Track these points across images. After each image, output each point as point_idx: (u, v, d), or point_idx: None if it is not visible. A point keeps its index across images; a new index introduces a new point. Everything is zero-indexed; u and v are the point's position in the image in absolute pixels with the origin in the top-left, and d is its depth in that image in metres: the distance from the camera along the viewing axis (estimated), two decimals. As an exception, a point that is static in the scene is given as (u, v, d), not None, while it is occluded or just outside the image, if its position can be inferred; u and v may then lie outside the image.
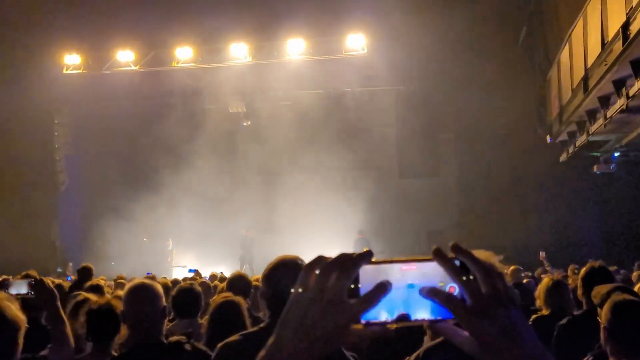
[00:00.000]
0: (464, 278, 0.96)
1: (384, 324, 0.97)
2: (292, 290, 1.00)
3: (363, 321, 0.96)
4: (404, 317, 0.98)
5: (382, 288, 0.95)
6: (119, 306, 3.41)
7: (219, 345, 2.94)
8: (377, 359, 3.98)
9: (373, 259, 0.98)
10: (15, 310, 2.35)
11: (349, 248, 16.89)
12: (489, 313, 0.95)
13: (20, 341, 2.35)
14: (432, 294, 0.96)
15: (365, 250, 0.98)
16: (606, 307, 2.84)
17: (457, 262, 0.97)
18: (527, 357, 0.95)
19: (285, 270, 2.87)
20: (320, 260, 0.99)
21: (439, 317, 0.98)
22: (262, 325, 2.93)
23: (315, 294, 0.96)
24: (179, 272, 18.65)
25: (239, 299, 4.29)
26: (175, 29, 16.36)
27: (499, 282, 0.97)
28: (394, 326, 0.98)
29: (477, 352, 0.96)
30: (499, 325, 0.95)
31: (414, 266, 0.99)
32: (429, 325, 1.00)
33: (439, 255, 0.97)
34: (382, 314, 0.97)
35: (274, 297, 2.84)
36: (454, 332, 0.99)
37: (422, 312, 0.98)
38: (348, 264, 0.97)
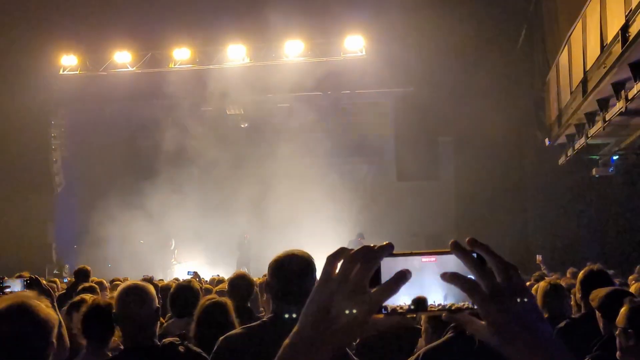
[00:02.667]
0: (482, 269, 1.00)
1: (403, 313, 1.00)
2: (317, 281, 1.03)
3: (384, 311, 0.99)
4: (422, 302, 1.01)
5: (402, 276, 0.98)
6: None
7: (221, 338, 2.90)
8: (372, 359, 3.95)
9: (394, 251, 1.01)
10: (46, 309, 2.31)
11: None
12: (505, 301, 0.99)
13: (54, 340, 2.31)
14: (454, 278, 0.99)
15: (386, 243, 1.02)
16: (623, 313, 2.80)
17: (474, 255, 1.02)
18: (540, 346, 0.98)
19: (294, 261, 2.82)
20: (342, 252, 1.02)
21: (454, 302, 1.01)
22: (264, 319, 2.89)
23: (338, 284, 0.99)
24: (183, 269, 18.65)
25: (225, 299, 4.25)
26: (172, 30, 16.33)
27: (514, 274, 1.01)
28: (414, 316, 1.02)
29: (492, 340, 1.00)
30: (515, 313, 0.98)
31: (433, 258, 1.03)
32: (447, 315, 1.03)
33: (457, 248, 1.01)
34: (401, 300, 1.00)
35: (281, 288, 2.79)
36: (470, 321, 1.02)
37: (437, 298, 1.02)
38: (370, 255, 1.00)
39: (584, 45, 10.13)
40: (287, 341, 1.03)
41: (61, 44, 16.96)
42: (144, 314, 3.09)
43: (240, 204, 21.56)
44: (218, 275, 12.18)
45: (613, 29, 8.36)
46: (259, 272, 14.89)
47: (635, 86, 8.40)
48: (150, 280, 9.59)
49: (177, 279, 10.89)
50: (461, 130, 15.95)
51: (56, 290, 6.97)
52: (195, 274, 12.34)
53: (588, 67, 9.96)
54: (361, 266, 0.99)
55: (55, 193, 18.08)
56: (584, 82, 10.33)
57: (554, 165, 14.81)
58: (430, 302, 1.01)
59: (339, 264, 1.01)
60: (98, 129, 20.67)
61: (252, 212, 21.36)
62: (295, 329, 1.03)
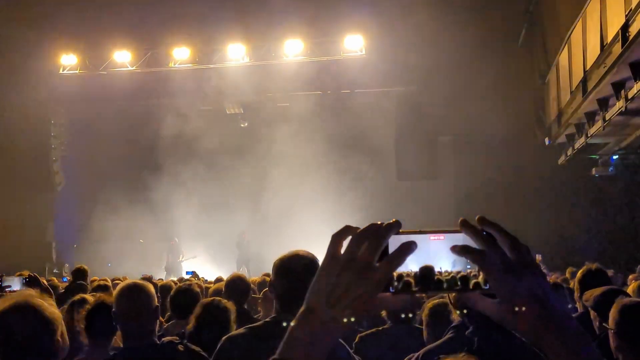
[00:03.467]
0: (493, 245, 0.99)
1: (412, 292, 0.99)
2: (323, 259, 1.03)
3: (391, 290, 0.98)
4: (429, 271, 1.00)
5: (407, 247, 0.98)
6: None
7: (224, 337, 2.90)
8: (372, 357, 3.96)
9: (401, 230, 1.01)
10: (51, 307, 2.31)
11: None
12: (517, 274, 0.97)
13: (60, 339, 2.31)
14: (464, 251, 0.98)
15: (393, 220, 1.01)
16: (613, 310, 2.81)
17: (484, 234, 1.01)
18: (552, 319, 0.97)
19: (299, 262, 2.82)
20: (348, 230, 1.02)
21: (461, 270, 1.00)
22: (268, 319, 2.89)
23: (345, 262, 0.98)
24: (191, 267, 18.66)
25: (224, 300, 4.25)
26: (172, 29, 16.32)
27: (525, 251, 1.00)
28: (424, 295, 1.00)
29: (502, 316, 0.99)
30: (527, 287, 0.97)
31: (442, 236, 1.04)
32: (457, 295, 1.01)
33: (466, 226, 1.01)
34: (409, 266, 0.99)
35: (286, 289, 2.77)
36: (479, 299, 1.01)
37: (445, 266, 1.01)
38: (378, 233, 0.99)
39: (584, 45, 10.13)
40: (294, 322, 1.03)
41: (61, 43, 16.95)
42: (143, 312, 3.09)
43: (239, 204, 21.55)
44: (219, 276, 12.14)
45: (613, 29, 8.36)
46: (258, 271, 14.91)
47: (635, 86, 8.40)
48: (149, 279, 9.60)
49: (182, 278, 10.92)
50: (461, 130, 15.94)
51: (58, 289, 6.97)
52: (194, 274, 12.33)
53: (588, 67, 9.96)
54: (369, 244, 0.98)
55: (55, 192, 18.08)
56: (584, 81, 10.33)
57: (554, 165, 14.81)
58: (437, 269, 1.00)
59: (345, 243, 1.01)
60: (98, 128, 20.66)
61: (251, 211, 21.36)
62: (301, 310, 1.02)
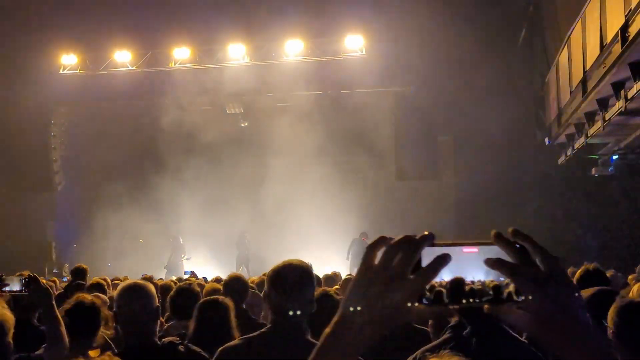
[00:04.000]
0: (526, 258, 1.00)
1: (445, 305, 1.00)
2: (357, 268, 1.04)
3: (425, 301, 0.99)
4: (460, 283, 1.00)
5: (442, 259, 0.98)
6: (100, 305, 3.39)
7: (220, 349, 2.89)
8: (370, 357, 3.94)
9: (435, 241, 1.02)
10: (2, 310, 2.27)
11: (347, 249, 16.73)
12: (550, 287, 0.99)
13: (10, 341, 2.28)
14: (498, 264, 0.99)
15: (427, 232, 1.02)
16: (612, 311, 2.81)
17: (517, 246, 1.02)
18: (581, 336, 0.98)
19: (292, 272, 2.81)
20: (382, 241, 1.03)
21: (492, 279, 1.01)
22: (263, 329, 2.88)
23: (380, 272, 1.00)
24: (190, 265, 18.66)
25: (224, 299, 4.25)
26: (172, 29, 16.32)
27: (557, 265, 1.01)
28: (456, 307, 1.02)
29: (532, 329, 1.00)
30: (560, 302, 0.98)
31: (475, 249, 1.03)
32: (488, 308, 1.02)
33: (500, 239, 1.02)
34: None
35: (279, 300, 2.78)
36: (510, 311, 1.02)
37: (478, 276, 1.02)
38: (412, 245, 1.00)
39: (584, 45, 10.13)
40: (328, 330, 1.04)
41: (61, 43, 16.95)
42: (144, 312, 3.09)
43: (239, 203, 21.54)
44: (217, 275, 12.13)
45: (613, 29, 8.36)
46: (257, 271, 14.92)
47: (634, 86, 8.40)
48: (150, 279, 9.60)
49: (181, 278, 10.90)
50: (461, 130, 15.94)
51: (55, 289, 6.97)
52: (193, 274, 12.31)
53: (588, 67, 9.96)
54: (403, 255, 1.00)
55: (55, 192, 18.07)
56: (584, 81, 10.33)
57: (554, 165, 14.82)
58: (469, 278, 1.01)
59: (379, 253, 1.02)
60: (98, 128, 20.66)
61: (251, 211, 21.35)
62: (336, 318, 1.04)
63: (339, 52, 16.40)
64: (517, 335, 3.44)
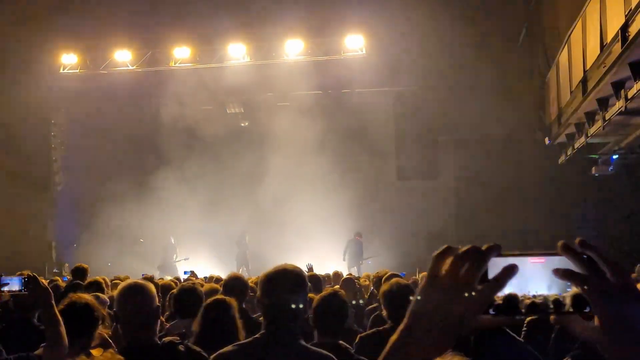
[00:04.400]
0: (595, 270, 0.99)
1: (512, 314, 1.00)
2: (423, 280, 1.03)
3: (491, 312, 0.99)
4: (512, 299, 1.00)
5: (510, 270, 0.98)
6: (96, 304, 3.39)
7: (213, 356, 2.89)
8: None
9: (502, 252, 1.01)
10: None
11: (343, 250, 16.71)
12: (621, 300, 0.97)
13: None
14: (567, 275, 0.98)
15: (493, 244, 1.01)
16: None
17: (584, 257, 1.01)
18: None
19: (285, 277, 2.80)
20: (449, 251, 1.01)
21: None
22: (257, 335, 2.87)
23: (447, 283, 0.99)
24: (183, 266, 18.61)
25: (230, 299, 4.25)
26: (172, 29, 16.32)
27: (627, 276, 0.99)
28: (522, 317, 1.01)
29: (600, 341, 0.99)
30: (632, 316, 0.97)
31: (542, 259, 1.02)
32: (555, 318, 1.02)
33: (567, 249, 1.00)
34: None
35: (272, 306, 2.77)
36: (578, 322, 1.01)
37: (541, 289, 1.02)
38: (479, 255, 0.99)
39: (584, 45, 10.13)
40: (394, 338, 1.04)
41: (61, 43, 16.95)
42: (144, 312, 3.09)
43: (239, 203, 21.53)
44: (217, 275, 12.08)
45: (613, 29, 8.36)
46: (257, 271, 14.91)
47: (634, 85, 8.40)
48: (150, 279, 9.59)
49: (178, 278, 10.89)
50: (461, 130, 15.94)
51: (60, 289, 6.97)
52: (192, 274, 12.26)
53: (588, 67, 9.96)
54: (470, 266, 0.99)
55: (56, 192, 18.07)
56: (584, 81, 10.33)
57: (554, 165, 14.81)
58: (532, 292, 1.01)
59: (446, 263, 1.01)
60: (98, 127, 20.66)
61: (251, 210, 21.33)
62: (402, 327, 1.03)
63: (339, 51, 16.40)
64: (515, 335, 3.44)
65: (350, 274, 12.33)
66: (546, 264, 1.02)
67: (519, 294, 1.01)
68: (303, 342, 2.81)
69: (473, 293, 0.98)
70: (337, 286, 7.32)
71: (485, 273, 0.99)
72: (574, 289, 1.01)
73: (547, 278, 1.01)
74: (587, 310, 0.99)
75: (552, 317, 1.02)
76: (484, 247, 1.00)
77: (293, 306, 2.73)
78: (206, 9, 15.57)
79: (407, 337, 1.02)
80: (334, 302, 4.05)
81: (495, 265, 1.00)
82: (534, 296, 1.01)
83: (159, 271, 18.59)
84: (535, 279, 1.02)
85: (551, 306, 1.01)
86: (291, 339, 2.77)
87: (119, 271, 17.13)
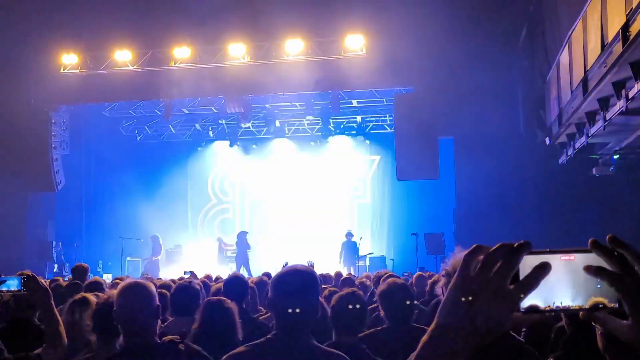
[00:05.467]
0: (627, 267, 0.97)
1: (543, 312, 0.99)
2: (453, 279, 1.02)
3: (522, 309, 0.98)
4: (533, 310, 0.99)
5: (542, 269, 0.96)
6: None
7: (224, 357, 2.88)
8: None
9: (532, 250, 1.00)
10: None
11: (345, 249, 16.71)
12: None
13: None
14: (599, 272, 0.97)
15: (524, 241, 0.99)
16: None
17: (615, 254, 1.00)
18: None
19: (297, 278, 2.78)
20: (479, 250, 1.00)
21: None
22: (268, 336, 2.86)
23: (479, 282, 0.98)
24: (190, 265, 18.62)
25: (228, 300, 4.26)
26: (173, 29, 16.32)
27: None
28: (552, 313, 1.00)
29: (631, 337, 0.98)
30: None
31: (572, 256, 1.01)
32: (584, 314, 1.01)
33: (598, 247, 0.99)
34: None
35: (283, 307, 2.75)
36: (610, 319, 1.00)
37: (565, 299, 1.00)
38: (511, 254, 0.97)
39: (585, 45, 10.12)
40: (425, 338, 1.03)
41: (62, 43, 16.95)
42: (144, 311, 3.09)
43: (239, 204, 21.56)
44: (217, 275, 12.08)
45: (614, 28, 8.35)
46: (257, 271, 14.93)
47: (635, 85, 8.39)
48: (150, 278, 9.59)
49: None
50: (461, 129, 15.94)
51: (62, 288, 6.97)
52: (192, 274, 12.25)
53: (589, 66, 9.95)
54: (502, 264, 0.97)
55: (56, 192, 18.08)
56: (585, 81, 10.32)
57: (554, 165, 14.81)
58: (557, 303, 0.99)
59: (477, 262, 0.99)
60: (98, 127, 20.70)
61: (251, 211, 21.37)
62: (433, 326, 1.02)
63: (339, 51, 16.40)
64: (515, 335, 3.44)
65: (350, 274, 12.34)
66: (577, 260, 1.01)
67: (543, 306, 0.99)
68: (315, 343, 2.80)
69: (506, 292, 0.97)
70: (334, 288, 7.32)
71: (517, 272, 0.98)
72: (594, 299, 0.99)
73: (572, 283, 0.99)
74: (616, 306, 0.98)
75: (581, 313, 1.01)
76: (515, 245, 0.99)
77: (305, 307, 2.72)
78: (206, 9, 15.57)
79: (439, 336, 1.00)
80: (352, 302, 4.06)
81: (525, 263, 0.99)
82: (558, 307, 1.00)
83: (143, 270, 18.52)
84: (561, 283, 0.99)
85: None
86: (303, 339, 2.76)
87: (118, 271, 17.16)
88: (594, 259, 0.99)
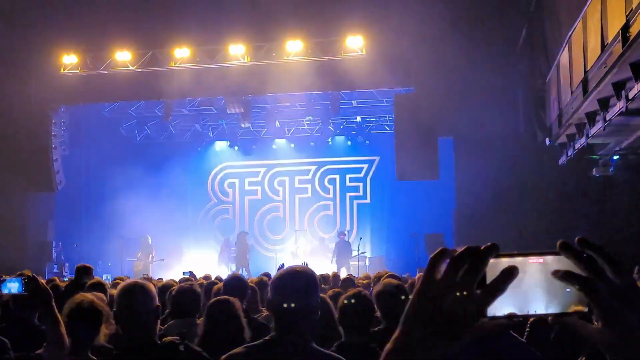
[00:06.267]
0: (597, 270, 0.94)
1: (510, 317, 0.96)
2: (416, 284, 0.99)
3: (489, 315, 0.95)
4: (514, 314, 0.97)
5: (509, 273, 0.94)
6: (101, 305, 3.39)
7: (222, 357, 2.88)
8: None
9: (500, 253, 0.97)
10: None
11: (338, 249, 16.68)
12: (625, 301, 0.93)
13: None
14: (568, 277, 0.94)
15: (490, 244, 0.96)
16: None
17: (585, 256, 0.97)
18: None
19: (297, 279, 2.78)
20: (444, 254, 0.97)
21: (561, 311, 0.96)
22: (267, 337, 2.86)
23: (444, 287, 0.95)
24: (160, 266, 18.57)
25: (233, 299, 4.25)
26: (173, 29, 16.33)
27: (631, 277, 0.95)
28: (520, 319, 0.97)
29: (608, 344, 0.95)
30: (635, 317, 0.93)
31: (541, 259, 0.98)
32: (553, 319, 0.98)
33: (566, 249, 0.96)
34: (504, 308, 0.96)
35: (282, 308, 2.75)
36: (581, 325, 0.97)
37: (539, 306, 0.97)
38: (477, 257, 0.95)
39: (585, 45, 10.12)
40: (389, 346, 0.98)
41: (62, 43, 16.96)
42: (144, 312, 3.09)
43: (239, 204, 21.55)
44: (217, 276, 12.05)
45: (614, 29, 8.35)
46: (257, 272, 14.93)
47: (635, 86, 8.39)
48: (149, 279, 9.60)
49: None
50: (461, 130, 15.94)
51: (60, 289, 6.97)
52: (192, 274, 12.25)
53: (589, 67, 9.95)
54: (468, 268, 0.95)
55: (56, 192, 18.08)
56: (585, 81, 10.32)
57: (554, 165, 14.81)
58: (531, 311, 0.97)
59: (443, 266, 0.97)
60: (98, 127, 20.70)
61: (250, 211, 21.36)
62: (397, 334, 0.98)
63: (339, 52, 16.41)
64: (515, 335, 3.44)
65: (349, 274, 12.34)
66: (545, 263, 0.98)
67: (518, 311, 0.97)
68: (314, 345, 2.79)
69: (471, 297, 0.93)
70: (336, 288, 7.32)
71: (484, 276, 0.95)
72: (573, 307, 0.97)
73: (545, 286, 0.96)
74: (586, 311, 0.96)
75: (550, 317, 0.98)
76: (481, 248, 0.96)
77: (303, 308, 2.72)
78: (206, 9, 15.58)
79: (403, 344, 0.97)
80: (359, 301, 4.07)
81: (493, 267, 0.96)
82: (533, 316, 0.98)
83: (134, 271, 18.49)
84: (534, 287, 0.97)
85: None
86: (302, 341, 2.76)
87: (118, 272, 17.16)
88: (563, 261, 0.97)
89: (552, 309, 0.97)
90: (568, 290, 0.96)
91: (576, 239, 0.98)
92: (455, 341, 0.95)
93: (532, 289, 0.97)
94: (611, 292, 0.94)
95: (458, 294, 0.94)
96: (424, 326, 0.95)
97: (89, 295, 3.91)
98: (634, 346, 0.93)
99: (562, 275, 0.95)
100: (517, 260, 0.97)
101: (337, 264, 18.09)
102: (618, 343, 0.94)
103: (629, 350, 0.93)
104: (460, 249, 0.97)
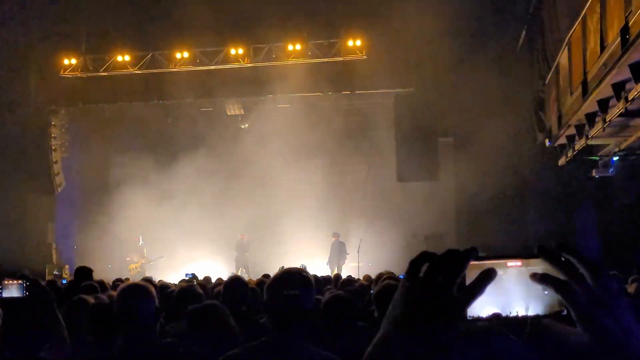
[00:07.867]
0: (574, 273, 0.96)
1: (488, 319, 0.98)
2: (399, 286, 1.00)
3: (469, 317, 0.96)
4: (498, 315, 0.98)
5: (487, 276, 0.95)
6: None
7: (221, 358, 2.88)
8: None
9: (479, 255, 0.99)
10: None
11: (331, 250, 16.64)
12: (601, 305, 0.94)
13: None
14: (545, 280, 0.95)
15: (470, 247, 0.98)
16: None
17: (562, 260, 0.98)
18: (634, 355, 0.93)
19: (292, 280, 2.79)
20: (425, 256, 0.99)
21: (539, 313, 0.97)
22: (264, 338, 2.87)
23: (424, 290, 0.96)
24: (160, 267, 18.54)
25: (213, 302, 4.24)
26: (173, 31, 16.35)
27: (607, 280, 0.97)
28: (501, 321, 0.99)
29: (585, 346, 0.95)
30: (615, 318, 0.94)
31: (519, 262, 1.00)
32: (532, 321, 0.99)
33: (544, 252, 0.97)
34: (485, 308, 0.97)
35: (277, 309, 2.77)
36: (560, 327, 0.99)
37: (520, 307, 0.98)
38: (457, 260, 0.96)
39: (584, 46, 10.13)
40: (370, 349, 0.99)
41: (63, 45, 16.98)
42: (144, 313, 3.10)
43: (239, 205, 21.54)
44: (219, 278, 12.05)
45: (613, 30, 8.36)
46: (257, 273, 14.93)
47: (635, 87, 8.40)
48: (150, 280, 9.58)
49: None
50: (461, 131, 15.95)
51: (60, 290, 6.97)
52: (194, 276, 12.22)
53: (588, 68, 9.96)
54: (448, 272, 0.96)
55: (56, 193, 18.08)
56: (584, 83, 10.32)
57: (554, 166, 14.81)
58: (513, 313, 0.98)
59: (423, 269, 0.98)
60: (99, 129, 20.69)
61: (251, 213, 21.35)
62: (380, 335, 0.99)
63: (339, 53, 16.42)
64: (515, 338, 3.43)
65: (349, 275, 12.34)
66: (523, 267, 0.99)
67: (496, 302, 0.98)
68: (310, 345, 2.80)
69: (451, 300, 0.94)
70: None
71: (463, 277, 0.97)
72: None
73: (523, 284, 0.98)
74: (564, 313, 0.97)
75: (529, 319, 0.99)
76: (461, 251, 0.97)
77: (299, 308, 2.73)
78: (206, 11, 15.59)
79: (383, 347, 0.97)
80: (337, 305, 4.07)
81: (472, 269, 0.97)
82: (515, 318, 0.99)
83: (131, 274, 18.47)
84: (513, 286, 0.99)
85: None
86: (298, 341, 2.77)
87: (118, 273, 17.13)
88: (542, 264, 0.98)
89: (532, 311, 0.99)
90: (546, 292, 0.98)
91: (554, 243, 0.99)
92: (435, 342, 0.95)
93: (513, 291, 0.99)
94: (587, 296, 0.95)
95: (438, 296, 0.95)
96: (405, 329, 0.96)
97: (103, 297, 3.93)
98: (609, 348, 0.94)
99: (540, 278, 0.96)
100: (496, 263, 0.99)
101: (331, 265, 18.05)
102: (593, 344, 0.95)
103: (605, 352, 0.94)
104: (441, 253, 0.98)
